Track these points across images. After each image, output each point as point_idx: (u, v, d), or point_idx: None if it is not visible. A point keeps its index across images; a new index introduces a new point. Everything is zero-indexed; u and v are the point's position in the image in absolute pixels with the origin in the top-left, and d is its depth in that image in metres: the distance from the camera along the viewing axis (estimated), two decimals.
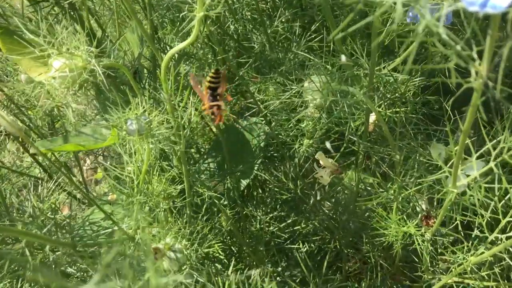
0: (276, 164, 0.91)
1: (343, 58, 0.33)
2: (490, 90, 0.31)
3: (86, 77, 0.47)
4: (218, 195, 0.68)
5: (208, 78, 0.49)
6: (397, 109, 0.64)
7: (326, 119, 0.53)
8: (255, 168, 0.79)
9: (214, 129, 0.98)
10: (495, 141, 0.45)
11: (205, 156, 0.88)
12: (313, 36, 0.74)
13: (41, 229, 0.54)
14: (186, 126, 0.53)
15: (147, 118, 0.47)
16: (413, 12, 0.56)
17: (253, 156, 0.82)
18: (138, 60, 0.63)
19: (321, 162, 0.83)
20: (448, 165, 0.53)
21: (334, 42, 0.62)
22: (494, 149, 0.45)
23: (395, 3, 0.27)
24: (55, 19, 0.57)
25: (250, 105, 0.89)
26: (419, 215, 0.61)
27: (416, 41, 0.27)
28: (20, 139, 1.16)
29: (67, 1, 0.53)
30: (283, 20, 0.79)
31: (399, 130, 0.57)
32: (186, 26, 0.58)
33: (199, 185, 0.65)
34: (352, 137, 0.59)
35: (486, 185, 0.45)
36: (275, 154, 0.91)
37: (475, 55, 0.32)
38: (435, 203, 0.63)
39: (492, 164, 0.44)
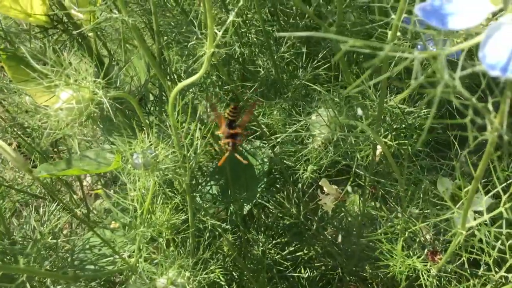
0: (279, 187, 0.90)
1: (360, 111, 0.33)
2: (505, 144, 0.31)
3: (93, 109, 0.47)
4: (221, 223, 0.68)
5: (227, 112, 0.49)
6: (404, 141, 0.64)
7: (333, 153, 0.52)
8: (258, 193, 0.79)
9: (216, 148, 0.97)
10: (505, 184, 0.44)
11: (207, 179, 0.87)
12: (320, 63, 0.74)
13: (42, 261, 0.54)
14: (192, 158, 0.52)
15: (153, 152, 0.46)
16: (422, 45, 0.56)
17: (256, 180, 0.81)
18: (144, 87, 0.62)
19: (325, 188, 0.82)
20: (454, 203, 0.52)
21: (342, 72, 0.62)
22: (504, 191, 0.45)
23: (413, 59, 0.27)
24: (63, 46, 0.56)
25: (253, 127, 0.89)
26: (425, 250, 0.60)
27: (436, 99, 0.26)
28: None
29: (78, 31, 0.53)
30: (289, 44, 0.79)
31: (407, 165, 0.56)
32: (194, 56, 0.57)
33: (202, 213, 0.65)
34: (358, 170, 0.59)
35: (496, 229, 0.45)
36: (278, 176, 0.91)
37: (490, 107, 0.32)
38: (441, 237, 0.63)
39: (502, 209, 0.43)
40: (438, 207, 0.61)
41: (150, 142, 0.47)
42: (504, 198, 0.43)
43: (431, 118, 0.26)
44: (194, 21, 0.56)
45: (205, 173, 0.92)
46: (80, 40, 0.56)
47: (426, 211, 0.62)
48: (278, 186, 0.90)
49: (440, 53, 0.26)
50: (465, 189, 0.46)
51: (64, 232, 1.09)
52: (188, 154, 0.51)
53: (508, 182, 0.44)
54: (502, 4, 0.27)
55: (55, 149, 0.99)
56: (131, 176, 0.53)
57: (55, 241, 0.70)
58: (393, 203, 0.61)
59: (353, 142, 0.55)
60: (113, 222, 0.64)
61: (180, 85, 0.45)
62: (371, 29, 0.47)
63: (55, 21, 0.54)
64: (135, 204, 0.57)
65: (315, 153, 0.53)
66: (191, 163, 0.52)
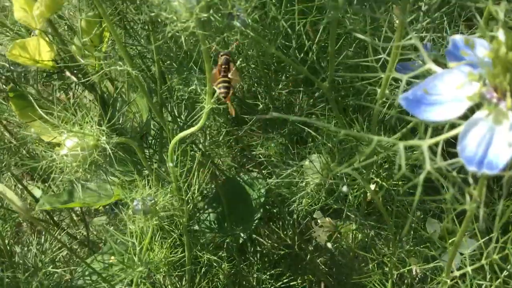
0: (275, 218, 0.92)
1: (345, 188, 0.35)
2: (482, 219, 0.33)
3: (97, 157, 0.49)
4: (217, 259, 0.70)
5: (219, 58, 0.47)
6: (395, 182, 0.66)
7: (324, 198, 0.55)
8: (254, 225, 0.81)
9: (217, 172, 0.99)
10: (486, 238, 0.47)
11: (205, 206, 0.89)
12: (317, 101, 0.76)
13: None
14: (190, 201, 0.54)
15: (152, 199, 0.49)
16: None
17: (252, 211, 0.83)
18: (146, 125, 0.65)
19: (319, 221, 0.85)
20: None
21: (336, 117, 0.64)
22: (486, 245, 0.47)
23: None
24: (69, 88, 0.59)
25: (250, 157, 0.91)
26: None
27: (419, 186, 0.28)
28: (23, 179, 1.18)
29: (85, 80, 0.55)
30: (286, 82, 0.81)
31: (395, 209, 0.59)
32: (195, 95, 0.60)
33: (199, 248, 0.67)
34: (349, 214, 0.61)
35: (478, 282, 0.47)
36: (274, 207, 0.93)
37: (470, 180, 0.34)
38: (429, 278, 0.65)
39: (484, 262, 0.45)
40: (428, 244, 0.64)
41: (150, 187, 0.49)
42: (485, 252, 0.46)
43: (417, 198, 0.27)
44: (195, 67, 0.58)
45: (206, 196, 0.94)
46: (85, 83, 0.58)
47: (415, 247, 0.65)
48: (273, 216, 0.92)
49: (422, 144, 0.28)
50: (450, 241, 0.48)
51: (64, 253, 1.11)
52: (186, 198, 0.53)
53: (490, 236, 0.47)
54: (479, 99, 0.29)
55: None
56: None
57: (55, 270, 0.72)
58: (383, 244, 0.63)
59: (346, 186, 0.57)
60: (112, 257, 0.66)
61: (178, 137, 0.47)
62: (362, 86, 0.50)
63: (61, 66, 0.56)
64: (133, 241, 0.59)
65: (307, 197, 0.55)
66: (188, 206, 0.54)
